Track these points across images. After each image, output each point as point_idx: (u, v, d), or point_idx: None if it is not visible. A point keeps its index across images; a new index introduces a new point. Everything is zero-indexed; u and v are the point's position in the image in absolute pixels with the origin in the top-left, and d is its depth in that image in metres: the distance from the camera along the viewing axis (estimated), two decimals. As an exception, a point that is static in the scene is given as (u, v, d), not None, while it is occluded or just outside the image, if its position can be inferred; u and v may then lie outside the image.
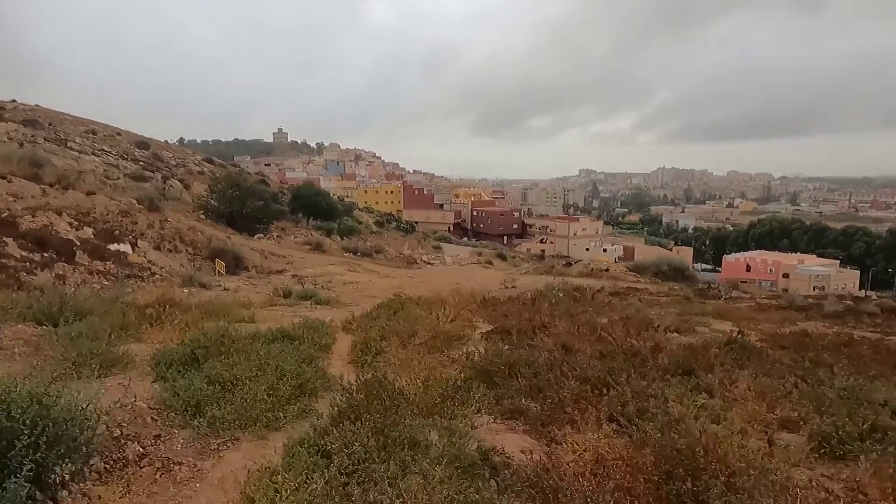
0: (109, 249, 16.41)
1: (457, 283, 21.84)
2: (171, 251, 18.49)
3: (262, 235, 28.29)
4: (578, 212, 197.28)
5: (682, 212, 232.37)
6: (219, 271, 16.97)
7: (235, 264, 19.03)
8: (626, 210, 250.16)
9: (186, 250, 18.91)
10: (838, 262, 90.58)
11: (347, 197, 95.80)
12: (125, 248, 16.91)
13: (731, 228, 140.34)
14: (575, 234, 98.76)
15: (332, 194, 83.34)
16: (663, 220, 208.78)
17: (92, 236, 16.78)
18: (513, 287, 19.62)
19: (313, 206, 40.01)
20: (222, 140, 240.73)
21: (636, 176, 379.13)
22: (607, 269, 23.90)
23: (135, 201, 20.18)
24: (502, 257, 39.42)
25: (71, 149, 43.25)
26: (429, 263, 32.20)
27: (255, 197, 29.45)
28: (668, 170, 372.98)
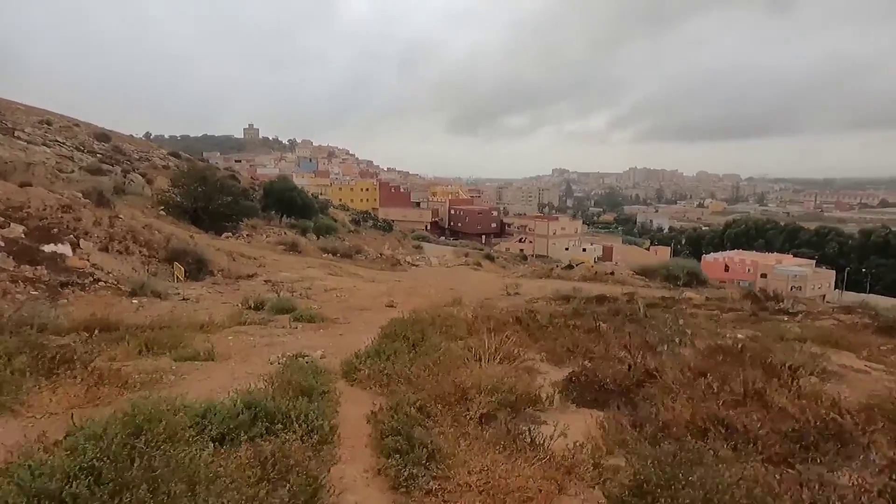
0: (43, 251, 13.70)
1: (452, 287, 19.60)
2: (121, 253, 15.81)
3: (230, 235, 25.59)
4: (553, 211, 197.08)
5: (656, 212, 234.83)
6: (177, 276, 14.40)
7: (198, 268, 16.44)
8: (600, 209, 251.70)
9: (140, 252, 16.25)
10: (814, 262, 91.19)
11: (321, 194, 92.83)
12: (64, 249, 14.21)
13: (706, 228, 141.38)
14: (554, 234, 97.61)
15: (306, 191, 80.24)
16: (637, 220, 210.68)
17: (23, 235, 14.03)
18: (516, 293, 17.49)
19: (287, 203, 37.29)
20: (191, 136, 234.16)
21: (609, 176, 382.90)
22: (612, 273, 21.97)
23: (80, 195, 17.40)
24: (490, 258, 37.33)
25: (18, 139, 39.66)
26: (413, 265, 29.89)
27: (222, 192, 26.68)
28: (639, 170, 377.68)
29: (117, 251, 15.80)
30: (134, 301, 12.49)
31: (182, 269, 14.58)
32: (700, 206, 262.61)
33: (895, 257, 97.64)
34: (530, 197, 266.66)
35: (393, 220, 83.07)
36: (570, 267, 23.20)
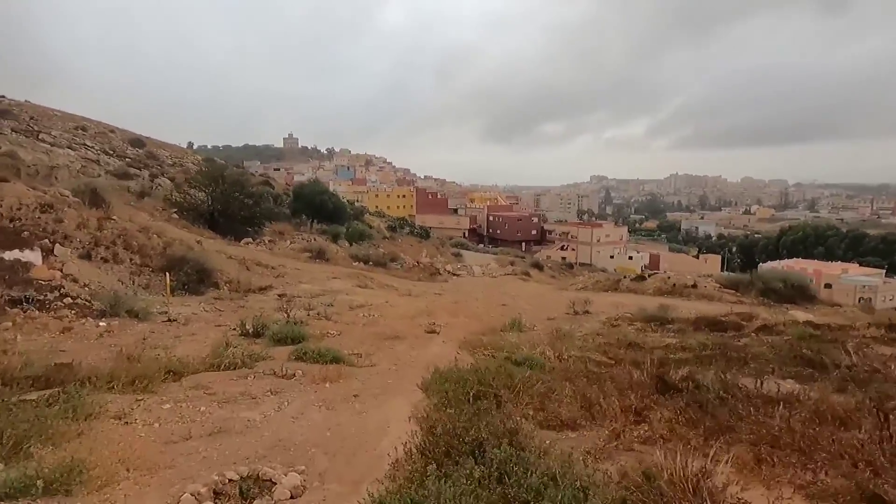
0: (2, 259, 11.01)
1: (503, 304, 16.27)
2: (107, 261, 13.06)
3: (250, 241, 22.90)
4: (593, 218, 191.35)
5: (702, 218, 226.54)
6: (166, 290, 11.53)
7: (199, 279, 13.59)
8: (642, 217, 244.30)
9: (131, 259, 13.49)
10: (884, 271, 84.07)
11: (358, 201, 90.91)
12: (31, 256, 11.49)
13: (759, 235, 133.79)
14: (598, 241, 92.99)
15: (339, 196, 78.24)
16: (682, 227, 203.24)
17: (-18, 239, 11.40)
18: (586, 311, 14.03)
19: (318, 207, 34.62)
20: (232, 146, 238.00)
21: (648, 182, 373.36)
22: (694, 286, 18.23)
23: (68, 193, 14.83)
24: (538, 267, 33.82)
25: (43, 141, 38.34)
26: (454, 275, 26.72)
27: (243, 193, 24.03)
28: (680, 176, 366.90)
29: (102, 259, 13.06)
30: (101, 324, 9.61)
31: (172, 281, 11.73)
32: (746, 212, 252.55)
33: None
34: (569, 204, 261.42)
35: (430, 227, 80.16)
36: (640, 278, 19.56)
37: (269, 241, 23.94)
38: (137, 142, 55.61)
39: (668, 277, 19.53)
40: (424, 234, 61.25)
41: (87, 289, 11.39)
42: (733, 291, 18.01)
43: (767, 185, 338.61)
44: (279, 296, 13.83)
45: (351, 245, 31.04)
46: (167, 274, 11.90)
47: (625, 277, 20.46)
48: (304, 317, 11.40)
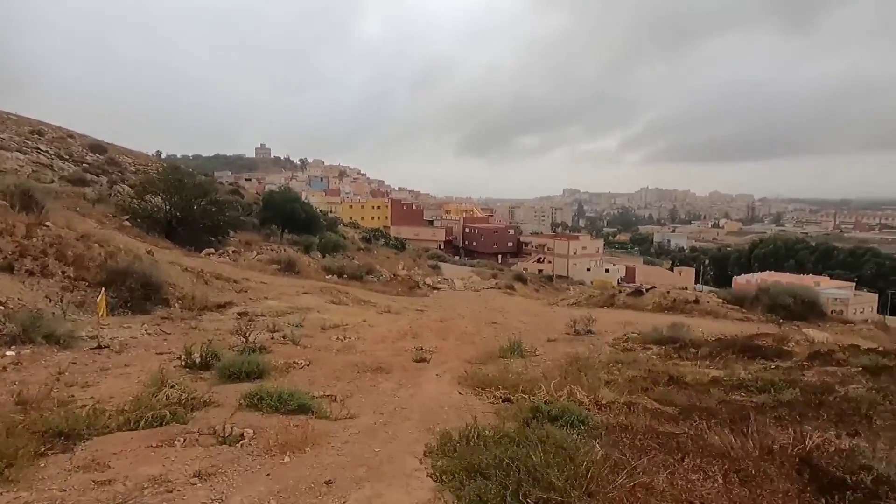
0: None
1: (494, 322, 14.66)
2: (33, 273, 11.05)
3: (212, 251, 20.88)
4: (567, 230, 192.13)
5: (673, 231, 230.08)
6: (100, 310, 9.59)
7: (145, 295, 11.65)
8: (614, 229, 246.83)
9: (63, 272, 11.49)
10: (853, 284, 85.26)
11: (331, 212, 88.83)
12: (-68, 268, 9.47)
13: (731, 248, 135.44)
14: (575, 254, 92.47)
15: (312, 206, 76.03)
16: (654, 240, 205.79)
17: None
18: (589, 331, 12.50)
19: (289, 216, 32.63)
20: (203, 155, 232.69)
21: (620, 196, 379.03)
22: (696, 301, 16.91)
23: (-6, 194, 12.77)
24: (522, 280, 32.35)
25: (-13, 144, 35.61)
26: (434, 288, 25.04)
27: (205, 199, 22.00)
28: (651, 190, 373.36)
29: (28, 271, 11.05)
30: (8, 353, 7.68)
31: (104, 300, 9.79)
32: (715, 226, 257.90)
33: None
34: (543, 216, 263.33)
35: (406, 239, 78.43)
36: (638, 293, 18.18)
37: (233, 251, 21.93)
38: (98, 147, 52.66)
39: (668, 293, 18.20)
40: (400, 245, 59.48)
41: (1, 308, 9.41)
42: (738, 307, 16.76)
43: (734, 200, 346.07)
44: (239, 315, 11.97)
45: (324, 256, 29.15)
46: (103, 290, 9.96)
47: (619, 292, 19.08)
48: (266, 341, 9.59)
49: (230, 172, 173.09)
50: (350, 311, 14.38)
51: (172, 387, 6.20)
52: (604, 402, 5.26)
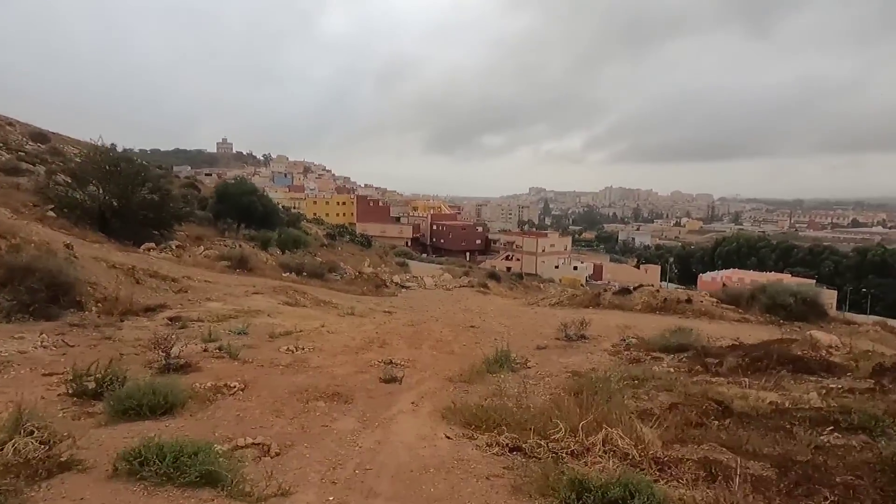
0: None
1: (472, 325, 12.95)
2: None
3: (153, 246, 18.56)
4: (533, 228, 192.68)
5: (637, 230, 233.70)
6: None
7: (51, 297, 9.53)
8: (579, 228, 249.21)
9: (-54, 270, 9.30)
10: (814, 281, 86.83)
11: (295, 208, 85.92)
12: None
13: (695, 246, 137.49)
14: (543, 251, 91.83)
15: (273, 201, 73.08)
16: (619, 238, 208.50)
17: None
18: (581, 336, 10.90)
19: (245, 210, 30.26)
20: (161, 149, 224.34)
21: (585, 195, 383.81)
22: (689, 300, 15.57)
23: None
24: (496, 278, 30.77)
25: None
26: (403, 287, 23.24)
27: (145, 188, 19.61)
28: (615, 189, 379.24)
29: None
30: None
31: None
32: (677, 224, 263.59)
33: (893, 276, 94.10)
34: (510, 214, 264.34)
35: (372, 236, 76.28)
36: (625, 291, 16.75)
37: (177, 246, 19.63)
38: (41, 136, 48.81)
39: (657, 291, 16.84)
40: (366, 242, 57.30)
41: None
42: (733, 307, 15.49)
43: (695, 199, 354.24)
44: (169, 320, 9.95)
45: (283, 253, 27.00)
46: (-12, 291, 7.86)
47: (605, 290, 17.62)
48: (196, 355, 7.66)
49: (190, 167, 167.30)
50: (307, 314, 12.46)
51: (32, 432, 4.28)
52: (663, 455, 3.61)
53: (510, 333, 11.98)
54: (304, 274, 19.99)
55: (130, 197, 18.65)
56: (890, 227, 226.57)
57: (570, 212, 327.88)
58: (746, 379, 6.52)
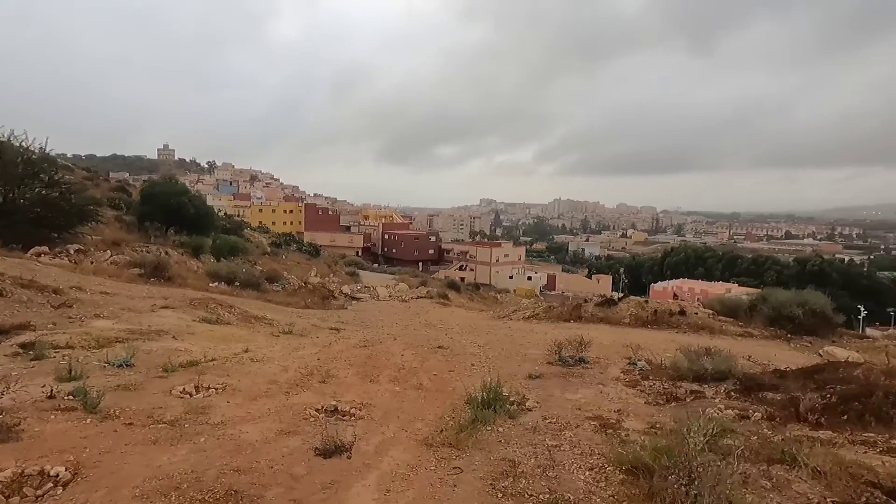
0: None
1: (440, 345, 10.47)
2: None
3: (46, 250, 15.23)
4: (485, 239, 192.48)
5: (587, 240, 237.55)
6: None
7: None
8: (531, 238, 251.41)
9: None
10: (760, 290, 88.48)
11: (239, 215, 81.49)
12: None
13: (645, 257, 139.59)
14: (497, 261, 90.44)
15: (218, 210, 68.80)
16: (569, 249, 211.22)
17: None
18: (580, 361, 8.65)
19: (173, 212, 26.80)
20: (98, 155, 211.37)
21: (535, 206, 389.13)
22: (683, 312, 13.65)
23: None
24: (455, 288, 28.43)
25: None
26: (354, 299, 20.57)
27: (36, 180, 16.21)
28: (564, 201, 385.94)
29: None
30: None
31: None
32: (623, 236, 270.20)
33: (832, 286, 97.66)
34: (461, 225, 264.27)
35: (321, 245, 72.79)
36: (609, 302, 14.71)
37: (76, 251, 16.30)
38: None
39: (646, 302, 14.88)
40: (314, 251, 53.96)
41: None
42: (732, 320, 13.68)
43: (640, 211, 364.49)
44: (21, 347, 7.05)
45: (219, 261, 23.81)
46: None
47: (585, 302, 15.51)
48: (30, 406, 4.90)
49: (128, 174, 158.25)
50: (229, 335, 9.69)
51: None
52: None
53: (489, 356, 9.60)
54: (237, 284, 17.07)
55: (17, 192, 15.28)
56: (819, 239, 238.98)
57: (520, 223, 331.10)
58: (871, 433, 4.34)
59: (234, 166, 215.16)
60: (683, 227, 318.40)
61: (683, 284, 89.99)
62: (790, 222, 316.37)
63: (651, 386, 7.17)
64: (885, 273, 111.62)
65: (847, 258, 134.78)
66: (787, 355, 11.34)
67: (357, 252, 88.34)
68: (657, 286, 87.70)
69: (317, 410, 5.40)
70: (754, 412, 5.49)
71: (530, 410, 6.18)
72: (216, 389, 6.02)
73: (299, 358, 8.21)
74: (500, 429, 5.17)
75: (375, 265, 76.50)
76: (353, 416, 5.32)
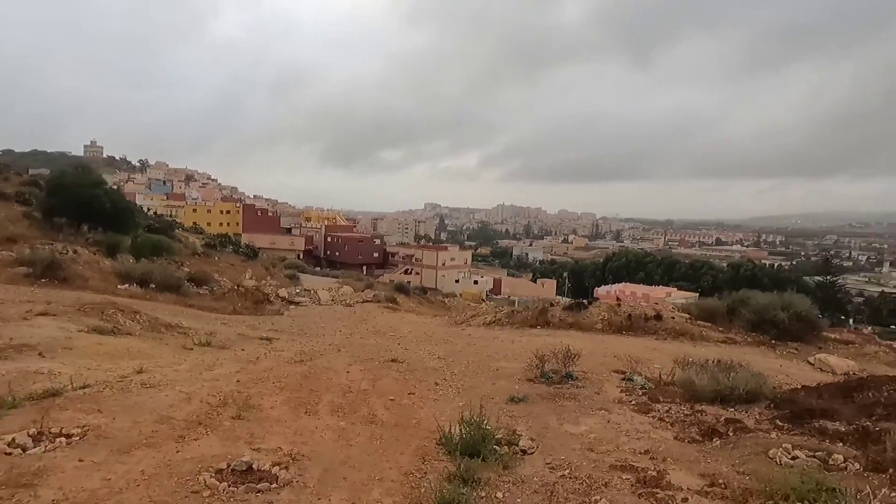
0: None
1: (393, 357, 8.69)
2: None
3: None
4: (430, 243, 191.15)
5: (530, 245, 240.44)
6: None
7: None
8: (475, 243, 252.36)
9: None
10: (697, 294, 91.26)
11: (171, 215, 76.47)
12: None
13: (588, 262, 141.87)
14: (443, 265, 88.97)
15: (147, 210, 64.25)
16: (514, 253, 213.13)
17: None
18: (567, 376, 7.11)
19: (86, 206, 23.67)
20: (16, 150, 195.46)
21: (479, 211, 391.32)
22: (659, 317, 12.40)
23: None
24: (405, 292, 26.54)
25: None
26: (292, 303, 18.41)
27: None
28: (507, 206, 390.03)
29: None
30: None
31: None
32: (564, 241, 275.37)
33: (764, 290, 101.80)
34: (406, 229, 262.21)
35: (260, 248, 69.19)
36: (579, 306, 13.32)
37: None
38: None
39: (618, 305, 13.58)
40: (252, 253, 50.68)
41: None
42: (710, 325, 12.56)
43: (580, 218, 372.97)
44: None
45: (139, 261, 21.03)
46: None
47: (552, 305, 14.07)
48: None
49: (49, 171, 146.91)
50: (123, 350, 7.55)
51: None
52: None
53: (454, 372, 7.90)
54: (152, 286, 14.66)
55: None
56: (746, 246, 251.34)
57: (464, 227, 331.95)
58: None
59: (167, 165, 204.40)
60: (622, 234, 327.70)
61: (626, 288, 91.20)
62: (720, 229, 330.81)
63: (667, 411, 5.66)
64: (807, 278, 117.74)
65: (771, 263, 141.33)
66: (776, 364, 10.24)
67: (298, 255, 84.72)
68: (601, 290, 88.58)
69: (219, 472, 3.53)
70: (836, 456, 4.02)
71: (528, 453, 4.52)
72: (70, 437, 4.04)
73: (212, 380, 6.24)
74: (499, 494, 3.48)
75: (318, 268, 73.39)
76: (276, 479, 3.49)
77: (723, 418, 5.19)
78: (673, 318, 12.67)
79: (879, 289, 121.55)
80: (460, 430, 4.54)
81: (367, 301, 20.05)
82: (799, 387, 6.49)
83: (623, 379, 7.39)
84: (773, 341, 11.59)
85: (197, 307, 14.04)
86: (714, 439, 4.63)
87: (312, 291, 21.40)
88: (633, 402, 6.08)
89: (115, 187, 30.52)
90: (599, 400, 6.25)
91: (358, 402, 5.79)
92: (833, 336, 12.73)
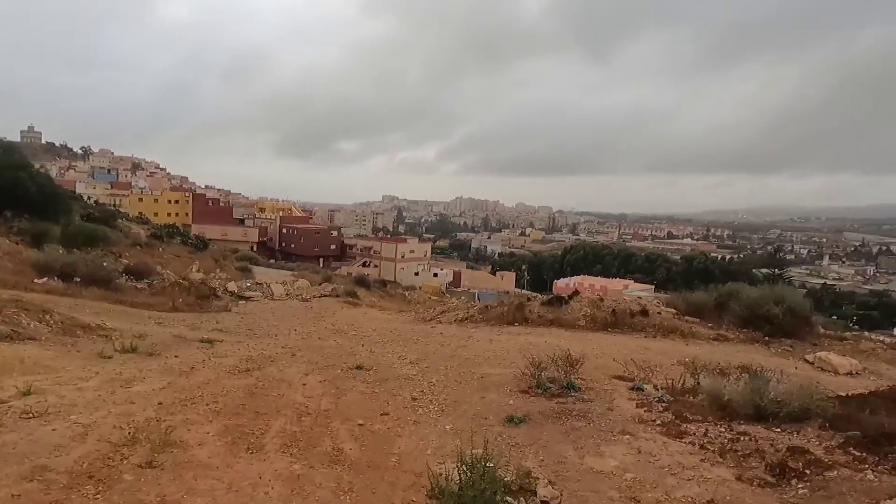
0: None
1: (358, 364, 7.36)
2: None
3: None
4: (388, 235, 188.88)
5: (489, 238, 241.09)
6: None
7: None
8: (433, 235, 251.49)
9: None
10: (653, 286, 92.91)
11: (115, 205, 72.21)
12: None
13: (547, 255, 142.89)
14: (403, 257, 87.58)
15: (88, 198, 60.50)
16: (472, 246, 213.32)
17: None
18: (570, 385, 5.99)
19: (8, 191, 21.24)
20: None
21: (437, 204, 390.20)
22: (645, 312, 11.48)
23: None
24: (365, 285, 25.02)
25: None
26: (242, 298, 16.75)
27: None
28: (465, 199, 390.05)
29: None
30: None
31: None
32: (522, 234, 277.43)
33: (714, 282, 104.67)
34: (364, 220, 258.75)
35: (211, 239, 66.00)
36: (558, 301, 12.27)
37: None
38: None
39: (601, 300, 12.59)
40: (201, 244, 47.99)
41: None
42: (698, 320, 11.73)
43: (537, 211, 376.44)
44: None
45: (70, 252, 18.86)
46: None
47: (528, 300, 12.99)
48: None
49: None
50: (14, 360, 5.97)
51: None
52: None
53: (432, 382, 6.65)
54: (77, 280, 12.81)
55: None
56: (696, 239, 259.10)
57: (423, 220, 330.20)
58: None
59: (112, 153, 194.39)
60: (578, 227, 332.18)
61: (584, 280, 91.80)
62: (671, 223, 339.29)
63: (704, 434, 4.56)
64: (756, 270, 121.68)
65: (722, 256, 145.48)
66: (773, 363, 9.42)
67: (252, 247, 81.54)
68: (560, 282, 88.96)
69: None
70: None
71: (546, 501, 3.32)
72: None
73: (125, 403, 4.79)
74: None
75: (272, 260, 70.70)
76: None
77: (783, 447, 4.11)
78: (659, 313, 11.77)
79: (821, 281, 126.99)
80: (458, 472, 3.31)
81: (326, 295, 18.55)
82: (833, 395, 5.52)
83: (632, 388, 6.30)
84: (767, 338, 10.81)
85: (129, 304, 12.31)
86: (792, 480, 3.54)
87: (265, 285, 19.71)
88: (657, 422, 4.97)
89: (43, 171, 27.78)
90: (616, 419, 5.12)
91: (317, 431, 4.48)
92: (828, 332, 12.15)
